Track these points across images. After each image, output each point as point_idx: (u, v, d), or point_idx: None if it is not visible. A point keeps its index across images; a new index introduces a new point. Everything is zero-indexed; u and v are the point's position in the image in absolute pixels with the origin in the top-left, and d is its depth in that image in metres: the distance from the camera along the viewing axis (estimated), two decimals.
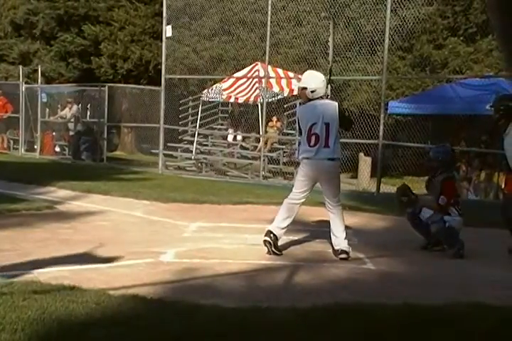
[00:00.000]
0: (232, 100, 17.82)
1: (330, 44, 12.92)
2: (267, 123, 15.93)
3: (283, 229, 6.51)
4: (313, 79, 6.62)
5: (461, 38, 18.38)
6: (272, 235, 6.42)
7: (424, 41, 17.89)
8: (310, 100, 6.57)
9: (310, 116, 6.54)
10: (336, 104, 6.64)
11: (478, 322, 3.89)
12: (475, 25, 17.79)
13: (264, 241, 6.43)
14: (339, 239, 6.44)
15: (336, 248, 6.44)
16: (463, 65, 17.87)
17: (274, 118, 16.87)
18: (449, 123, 15.87)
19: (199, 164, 17.35)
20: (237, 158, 17.44)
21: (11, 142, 20.48)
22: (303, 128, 6.57)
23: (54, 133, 19.90)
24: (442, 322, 3.93)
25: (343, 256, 6.36)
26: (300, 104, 7.09)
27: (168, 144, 16.74)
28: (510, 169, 7.11)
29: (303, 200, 6.60)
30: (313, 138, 6.43)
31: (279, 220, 6.51)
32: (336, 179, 6.59)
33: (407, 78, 17.70)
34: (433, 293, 4.96)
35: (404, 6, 13.49)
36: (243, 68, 17.18)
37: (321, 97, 6.63)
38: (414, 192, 7.32)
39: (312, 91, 6.52)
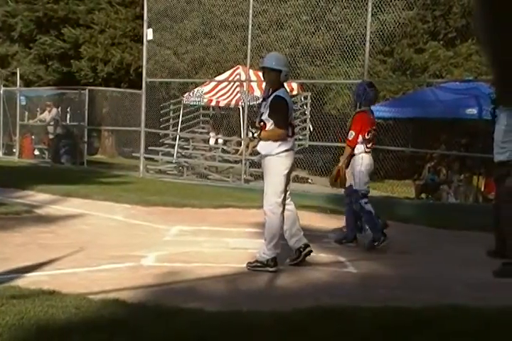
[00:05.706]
0: (213, 104, 17.80)
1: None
2: (248, 127, 15.92)
3: (294, 239, 5.96)
4: (285, 62, 5.92)
5: (441, 42, 18.57)
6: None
7: (404, 45, 18.05)
8: (281, 87, 5.87)
9: (291, 105, 5.98)
10: None
11: (459, 324, 3.91)
12: (455, 30, 18.00)
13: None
14: (264, 245, 5.79)
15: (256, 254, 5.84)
16: (443, 69, 18.05)
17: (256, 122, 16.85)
18: (429, 127, 15.99)
19: (180, 168, 17.28)
20: (219, 161, 17.40)
21: None
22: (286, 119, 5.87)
23: (33, 137, 19.76)
24: (423, 325, 3.93)
25: (251, 265, 5.72)
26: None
27: (149, 148, 16.66)
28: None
29: (289, 200, 5.95)
30: (290, 129, 5.86)
31: (288, 237, 5.92)
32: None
33: (387, 82, 17.82)
34: (414, 296, 4.98)
35: (384, 10, 13.58)
36: (225, 71, 17.17)
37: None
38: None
39: (286, 75, 5.80)
